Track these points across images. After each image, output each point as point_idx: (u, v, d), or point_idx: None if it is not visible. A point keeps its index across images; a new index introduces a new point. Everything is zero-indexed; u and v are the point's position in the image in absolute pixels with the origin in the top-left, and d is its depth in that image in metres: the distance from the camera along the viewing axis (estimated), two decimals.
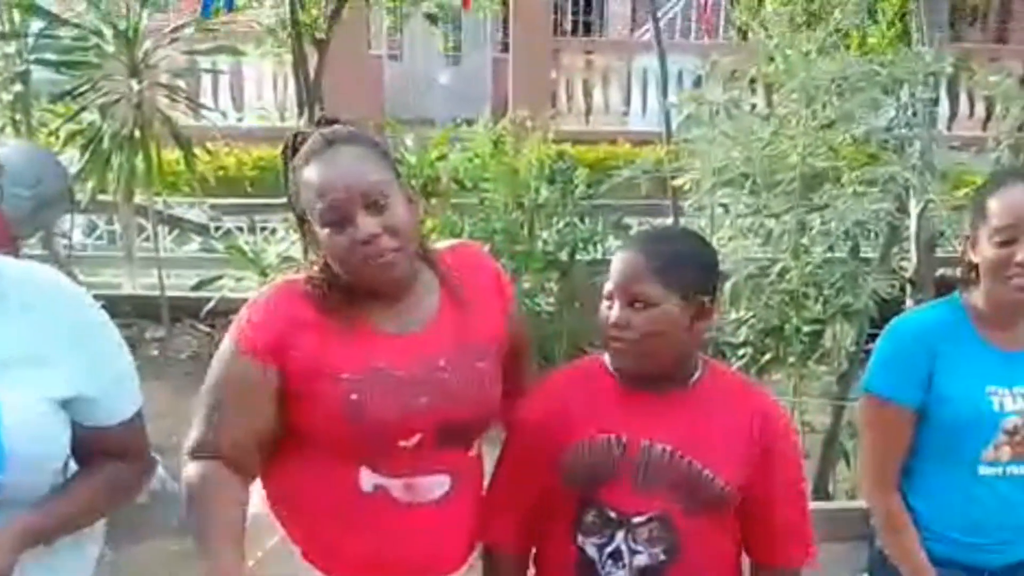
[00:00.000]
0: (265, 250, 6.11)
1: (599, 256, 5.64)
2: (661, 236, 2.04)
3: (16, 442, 1.47)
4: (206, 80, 10.34)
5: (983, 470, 2.02)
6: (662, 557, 1.75)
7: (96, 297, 1.65)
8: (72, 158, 5.80)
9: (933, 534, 2.08)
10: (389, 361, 1.74)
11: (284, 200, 1.84)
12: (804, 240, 4.18)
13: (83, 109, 5.94)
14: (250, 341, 1.73)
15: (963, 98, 11.48)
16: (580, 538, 1.80)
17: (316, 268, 1.76)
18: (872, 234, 4.48)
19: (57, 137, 6.07)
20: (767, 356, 4.24)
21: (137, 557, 3.80)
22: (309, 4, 6.92)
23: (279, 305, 1.76)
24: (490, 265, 2.00)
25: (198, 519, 1.68)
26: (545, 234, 5.72)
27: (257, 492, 1.84)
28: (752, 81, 4.75)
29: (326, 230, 1.70)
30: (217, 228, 7.56)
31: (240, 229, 7.55)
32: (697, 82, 9.54)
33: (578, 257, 5.72)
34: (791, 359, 4.23)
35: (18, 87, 6.04)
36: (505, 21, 13.30)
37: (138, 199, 6.41)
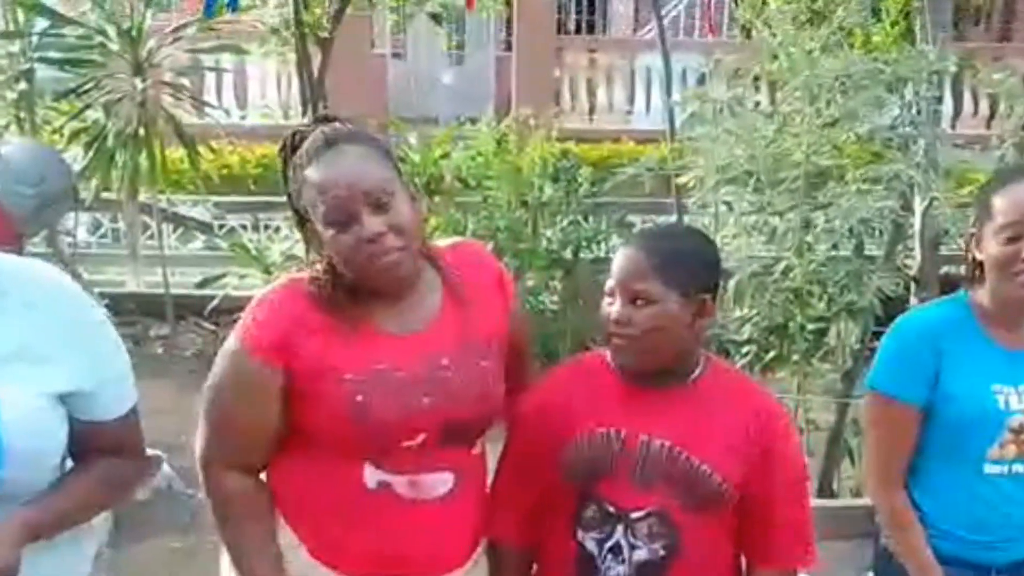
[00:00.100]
0: (269, 248, 6.12)
1: (603, 254, 5.63)
2: (662, 233, 2.05)
3: (15, 437, 1.48)
4: (210, 78, 10.35)
5: (988, 468, 2.02)
6: (662, 553, 1.76)
7: (100, 295, 1.66)
8: (76, 156, 5.81)
9: (939, 532, 2.08)
10: (392, 362, 1.74)
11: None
12: (808, 238, 4.18)
13: (87, 107, 5.95)
14: (256, 340, 1.73)
15: (967, 96, 11.45)
16: (580, 533, 1.80)
17: (320, 268, 1.76)
18: (876, 232, 4.49)
19: (61, 135, 6.08)
20: (771, 354, 4.24)
21: (140, 555, 3.80)
22: (313, 3, 6.90)
23: (283, 304, 1.76)
24: (492, 263, 2.00)
25: (233, 539, 1.78)
26: (549, 232, 5.72)
27: None
28: (756, 79, 4.76)
29: (330, 230, 1.69)
30: (221, 226, 7.56)
31: (244, 227, 7.56)
32: (701, 80, 9.54)
33: (582, 255, 5.72)
34: (795, 357, 4.23)
35: (22, 85, 6.05)
36: (509, 20, 13.28)
37: (142, 197, 6.42)
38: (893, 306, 3.68)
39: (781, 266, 4.13)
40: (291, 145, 1.78)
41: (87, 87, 5.88)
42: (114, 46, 5.96)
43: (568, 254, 5.70)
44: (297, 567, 1.80)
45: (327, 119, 1.81)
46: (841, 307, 4.12)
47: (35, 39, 6.07)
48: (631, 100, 12.43)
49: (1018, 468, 2.02)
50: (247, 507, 1.78)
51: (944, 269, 4.63)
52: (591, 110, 12.44)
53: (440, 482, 1.80)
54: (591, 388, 1.85)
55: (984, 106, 11.51)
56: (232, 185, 8.53)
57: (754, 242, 4.37)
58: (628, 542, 1.76)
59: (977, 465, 2.02)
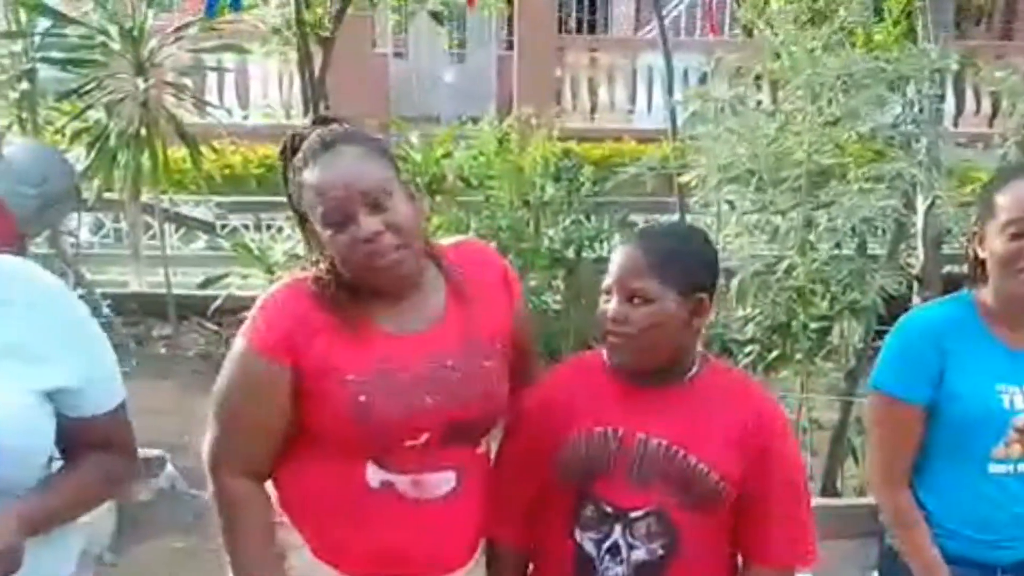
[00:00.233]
0: (271, 247, 6.13)
1: (605, 253, 5.62)
2: (660, 232, 2.04)
3: (5, 435, 1.48)
4: (211, 78, 10.36)
5: (993, 468, 2.01)
6: (660, 552, 1.75)
7: (103, 295, 1.67)
8: (78, 156, 5.83)
9: (945, 531, 2.07)
10: (395, 362, 1.74)
11: None
12: (811, 237, 4.18)
13: (89, 107, 5.96)
14: (263, 340, 1.73)
15: (969, 94, 11.43)
16: (578, 533, 1.80)
17: (322, 268, 1.76)
18: (879, 231, 4.48)
19: (63, 135, 6.09)
20: (774, 353, 4.24)
21: (143, 555, 3.80)
22: (314, 3, 6.91)
23: (287, 304, 1.76)
24: (497, 261, 2.00)
25: (234, 544, 1.78)
26: (551, 231, 5.73)
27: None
28: (758, 78, 4.75)
29: (329, 231, 1.70)
30: (223, 226, 7.57)
31: (246, 227, 7.57)
32: (702, 79, 9.51)
33: (584, 254, 5.73)
34: (798, 356, 4.23)
35: (24, 85, 6.06)
36: (510, 19, 13.28)
37: (144, 197, 6.43)
38: (896, 305, 3.68)
39: (784, 265, 4.13)
40: (290, 148, 1.79)
41: (89, 87, 5.89)
42: (116, 46, 5.97)
43: (570, 253, 5.70)
44: (300, 567, 1.80)
45: (325, 120, 1.82)
46: (844, 306, 4.12)
47: (37, 39, 6.09)
48: (633, 99, 12.43)
49: (1023, 467, 2.02)
50: (251, 514, 1.79)
51: (947, 268, 4.63)
52: (593, 109, 12.43)
53: (443, 481, 1.80)
54: (589, 386, 1.85)
55: (986, 104, 11.49)
56: (234, 185, 8.55)
57: (756, 241, 4.37)
58: (626, 542, 1.76)
59: (982, 464, 2.01)
